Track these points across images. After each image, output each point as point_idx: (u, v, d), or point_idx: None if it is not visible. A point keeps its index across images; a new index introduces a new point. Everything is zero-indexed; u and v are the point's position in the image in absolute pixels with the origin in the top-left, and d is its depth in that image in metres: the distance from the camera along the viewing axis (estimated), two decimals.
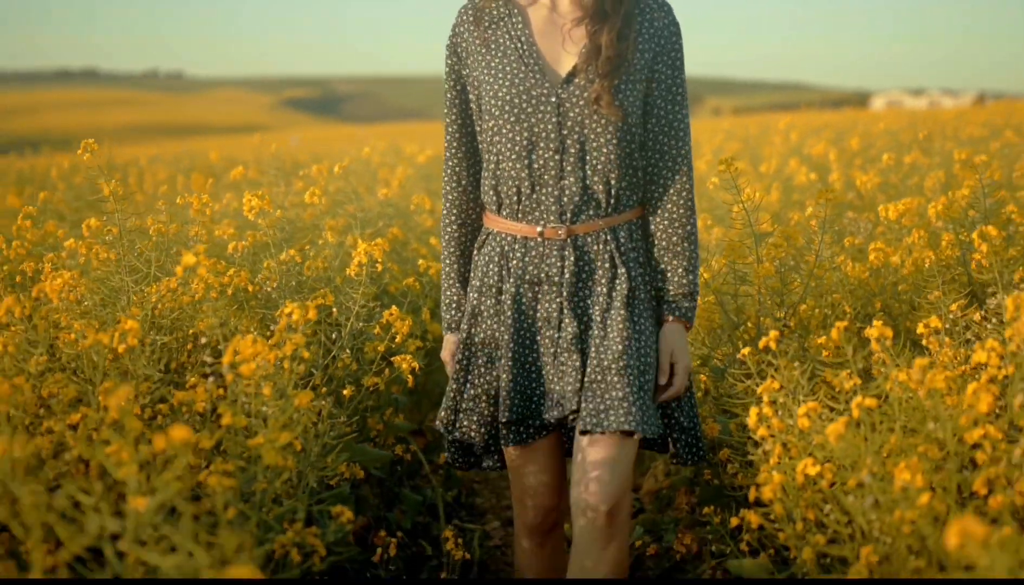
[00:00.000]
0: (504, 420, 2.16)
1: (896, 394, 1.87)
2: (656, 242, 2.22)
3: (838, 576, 1.76)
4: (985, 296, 2.72)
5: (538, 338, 2.18)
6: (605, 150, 2.11)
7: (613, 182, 2.13)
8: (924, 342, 2.18)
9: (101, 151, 2.75)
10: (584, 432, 2.09)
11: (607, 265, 2.14)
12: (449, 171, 2.30)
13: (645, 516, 3.18)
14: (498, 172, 2.17)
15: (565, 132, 2.11)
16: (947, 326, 2.29)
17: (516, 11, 2.20)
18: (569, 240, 2.14)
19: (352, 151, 11.64)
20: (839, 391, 2.03)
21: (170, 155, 11.87)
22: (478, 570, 3.20)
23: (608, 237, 2.15)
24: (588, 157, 2.12)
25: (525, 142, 2.13)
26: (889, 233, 3.69)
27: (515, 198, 2.16)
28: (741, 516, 2.06)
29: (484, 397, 2.21)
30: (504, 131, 2.15)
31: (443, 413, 2.26)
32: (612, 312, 2.12)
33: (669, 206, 2.20)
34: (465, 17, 2.23)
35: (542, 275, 2.16)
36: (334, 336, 2.69)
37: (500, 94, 2.14)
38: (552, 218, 2.14)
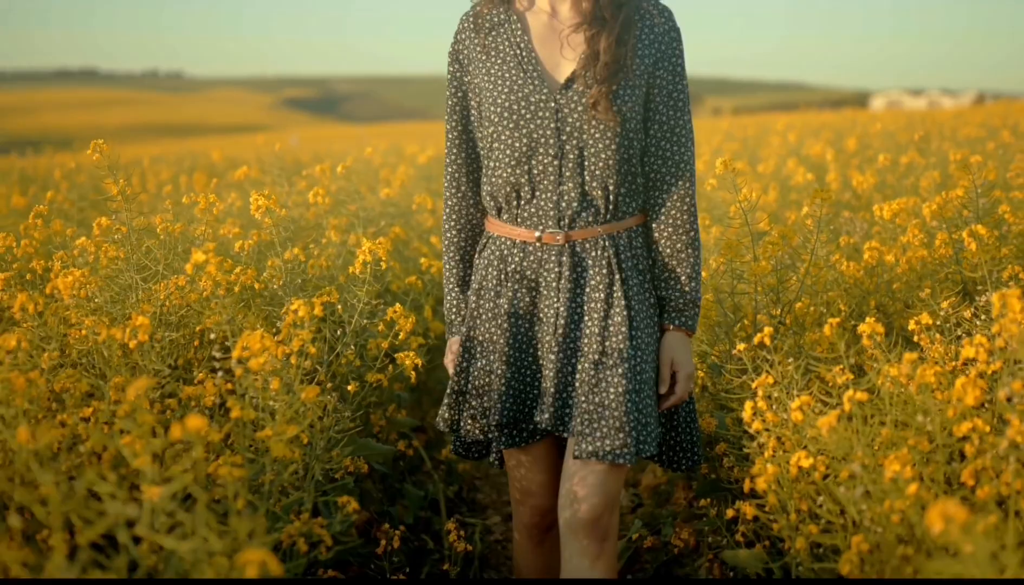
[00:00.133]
0: (495, 422, 2.18)
1: (887, 389, 1.92)
2: (659, 249, 2.21)
3: (830, 565, 1.81)
4: (977, 294, 2.77)
5: (534, 342, 2.18)
6: (603, 156, 2.11)
7: (611, 188, 2.13)
8: (915, 338, 2.22)
9: (105, 151, 2.80)
10: (577, 456, 2.10)
11: (603, 272, 2.14)
12: (449, 177, 2.31)
13: (643, 510, 3.24)
14: (497, 177, 2.17)
15: (564, 138, 2.11)
16: (938, 323, 2.34)
17: (515, 17, 2.20)
18: (567, 246, 2.14)
19: (353, 151, 11.70)
20: (832, 386, 2.08)
21: (172, 155, 11.92)
22: (479, 564, 3.25)
23: (606, 244, 2.14)
24: (586, 163, 2.12)
25: (524, 148, 2.13)
26: (884, 232, 3.74)
27: (514, 203, 2.17)
28: (737, 508, 2.11)
29: (482, 398, 2.22)
30: (503, 137, 2.15)
31: (444, 412, 2.29)
32: (609, 324, 2.12)
33: (673, 213, 2.19)
34: (466, 25, 2.24)
35: (540, 280, 2.16)
36: (339, 332, 2.74)
37: (499, 100, 2.15)
38: (550, 223, 2.14)
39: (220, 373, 2.10)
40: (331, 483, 2.42)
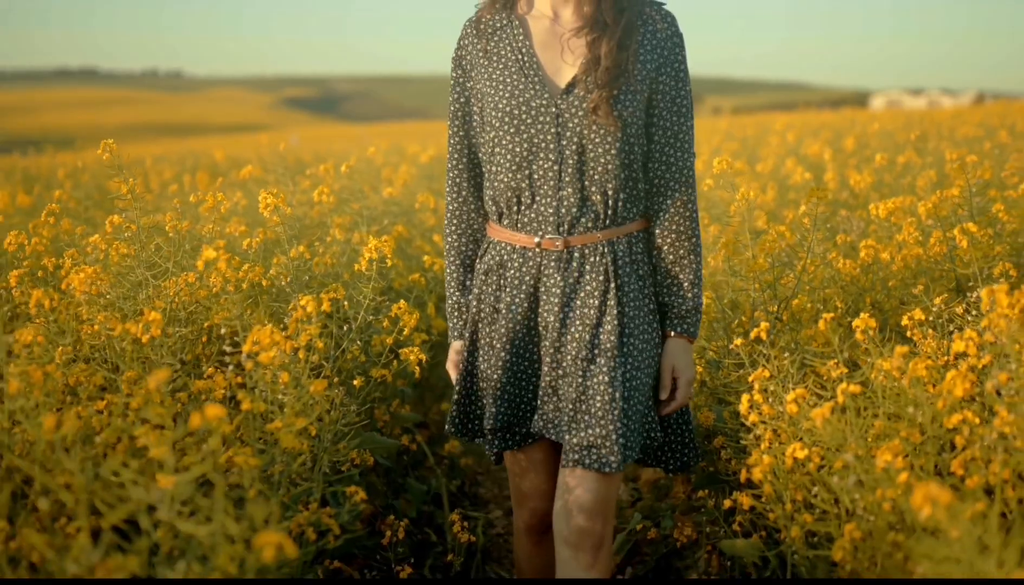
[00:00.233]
0: (489, 427, 2.21)
1: (880, 382, 1.97)
2: (660, 256, 2.21)
3: (824, 552, 1.87)
4: (969, 290, 2.82)
5: (531, 347, 2.19)
6: (603, 161, 2.10)
7: (611, 193, 2.13)
8: (908, 334, 2.28)
9: (114, 151, 2.85)
10: (563, 465, 2.13)
11: (600, 279, 2.13)
12: (451, 181, 2.31)
13: (643, 503, 3.29)
14: (499, 182, 2.18)
15: (564, 143, 2.11)
16: (931, 319, 2.39)
17: (517, 23, 2.20)
18: (566, 251, 2.14)
19: (354, 150, 11.76)
20: (827, 380, 2.14)
21: (174, 155, 11.99)
22: (481, 556, 3.31)
23: (605, 250, 2.14)
24: (586, 168, 2.11)
25: (525, 153, 2.13)
26: (880, 231, 3.79)
27: (515, 208, 2.17)
28: (734, 499, 2.17)
29: (483, 400, 2.24)
30: (504, 142, 2.15)
31: (453, 415, 2.31)
32: (600, 331, 2.12)
33: (677, 219, 2.19)
34: (469, 30, 2.24)
35: (539, 286, 2.16)
36: (344, 328, 2.80)
37: (500, 105, 2.15)
38: (550, 229, 2.14)
39: (231, 367, 2.16)
40: (337, 475, 2.48)
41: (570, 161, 2.11)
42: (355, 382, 2.71)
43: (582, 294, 2.14)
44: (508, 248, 2.20)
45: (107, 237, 2.70)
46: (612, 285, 2.13)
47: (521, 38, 2.18)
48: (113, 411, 2.08)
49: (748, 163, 7.19)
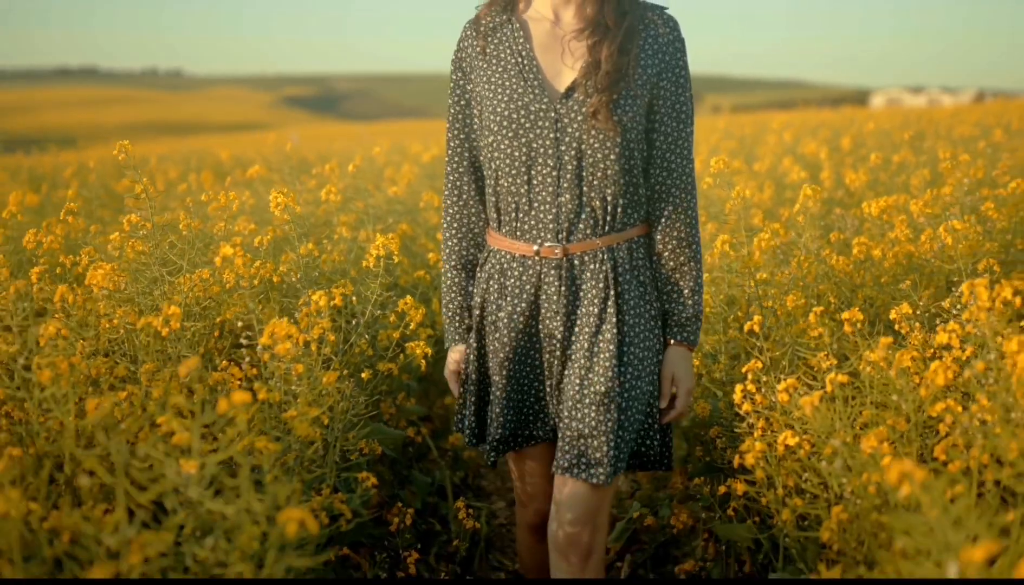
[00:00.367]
0: (497, 436, 2.20)
1: (867, 373, 2.07)
2: (661, 262, 2.20)
3: (813, 534, 1.96)
4: (955, 286, 2.92)
5: (534, 353, 2.18)
6: (602, 166, 2.08)
7: (610, 199, 2.10)
8: (896, 327, 2.37)
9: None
10: (553, 472, 2.15)
11: (600, 287, 2.11)
12: (451, 185, 2.28)
13: (642, 493, 3.39)
14: (498, 188, 2.15)
15: (563, 148, 2.08)
16: (918, 313, 2.49)
17: (517, 24, 2.17)
18: (565, 259, 2.12)
19: (356, 149, 11.85)
20: (817, 371, 2.23)
21: (178, 154, 12.09)
22: (485, 545, 3.40)
23: (604, 257, 2.12)
24: (584, 173, 2.09)
25: (524, 158, 2.10)
26: (874, 228, 3.88)
27: (514, 215, 2.15)
28: (728, 484, 2.27)
29: (492, 410, 2.23)
30: (502, 147, 2.12)
31: (471, 424, 2.29)
32: (599, 340, 2.11)
33: (678, 225, 2.18)
34: (468, 32, 2.21)
35: (539, 294, 2.14)
36: (353, 322, 2.89)
37: (499, 109, 2.12)
38: (549, 236, 2.12)
39: (247, 360, 2.25)
40: (346, 463, 2.58)
41: (569, 166, 2.08)
42: (363, 375, 2.81)
43: (584, 302, 2.13)
44: (508, 256, 2.17)
45: (124, 234, 2.79)
46: (612, 293, 2.11)
47: (521, 40, 2.15)
48: (134, 401, 2.18)
49: (746, 162, 7.29)
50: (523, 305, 2.15)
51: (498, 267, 2.19)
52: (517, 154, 2.11)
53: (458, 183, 2.27)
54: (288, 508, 1.38)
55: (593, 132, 2.07)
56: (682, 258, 2.18)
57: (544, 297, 2.14)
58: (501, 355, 2.17)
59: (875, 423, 1.98)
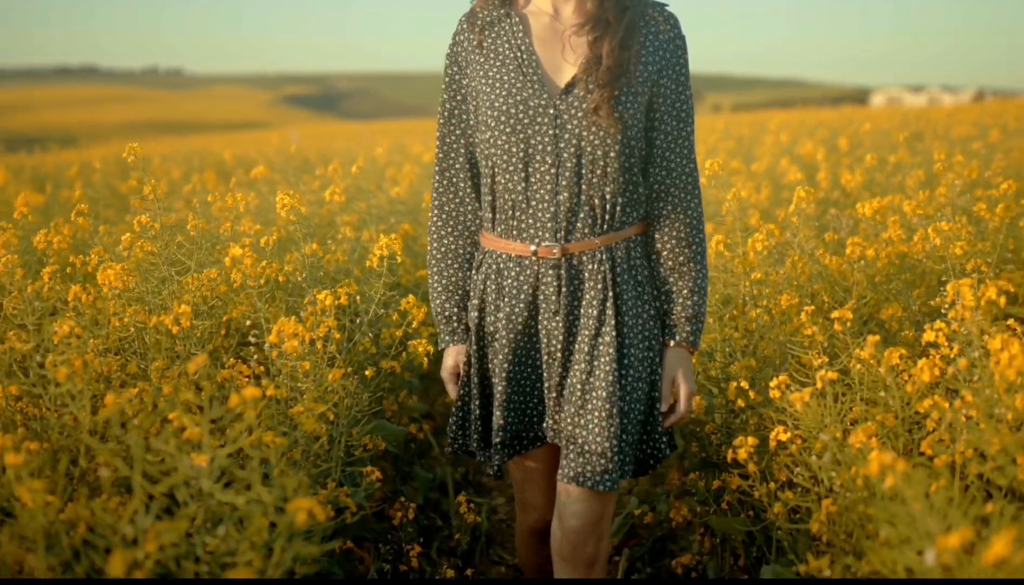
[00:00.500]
0: (499, 441, 2.16)
1: (857, 370, 2.13)
2: (659, 262, 2.15)
3: (804, 526, 2.02)
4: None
5: (534, 354, 2.14)
6: (602, 163, 2.04)
7: (609, 197, 2.06)
8: (886, 326, 2.44)
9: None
10: (559, 480, 2.11)
11: (599, 287, 2.08)
12: (446, 182, 2.22)
13: (640, 488, 3.46)
14: (494, 186, 2.11)
15: (562, 145, 2.04)
16: (908, 312, 2.55)
17: (516, 18, 2.12)
18: (563, 259, 2.08)
19: (357, 149, 11.91)
20: (808, 368, 2.30)
21: (180, 154, 12.14)
22: (485, 540, 3.46)
23: (603, 257, 2.08)
24: (584, 171, 2.04)
25: (521, 154, 2.06)
26: (869, 229, 3.94)
27: (510, 213, 2.10)
28: (722, 479, 2.33)
29: (486, 411, 2.21)
30: (499, 143, 2.07)
31: (453, 430, 2.27)
32: (599, 343, 2.08)
33: (677, 225, 2.13)
34: (464, 26, 2.16)
35: (538, 295, 2.11)
36: (357, 321, 2.96)
37: (496, 105, 2.07)
38: (547, 236, 2.07)
39: (255, 357, 2.31)
40: (350, 459, 2.64)
41: (568, 164, 2.04)
42: (367, 372, 2.87)
43: (583, 303, 2.09)
44: (504, 257, 2.13)
45: (134, 235, 2.86)
46: (611, 293, 2.07)
47: (520, 35, 2.10)
48: (145, 398, 2.24)
49: (744, 162, 7.34)
50: (521, 306, 2.11)
51: (495, 268, 2.15)
52: (515, 150, 2.06)
53: (454, 180, 2.21)
54: (297, 498, 1.45)
55: (593, 129, 2.02)
56: (681, 258, 2.14)
57: (542, 297, 2.10)
58: (501, 357, 2.13)
59: (864, 419, 2.04)
